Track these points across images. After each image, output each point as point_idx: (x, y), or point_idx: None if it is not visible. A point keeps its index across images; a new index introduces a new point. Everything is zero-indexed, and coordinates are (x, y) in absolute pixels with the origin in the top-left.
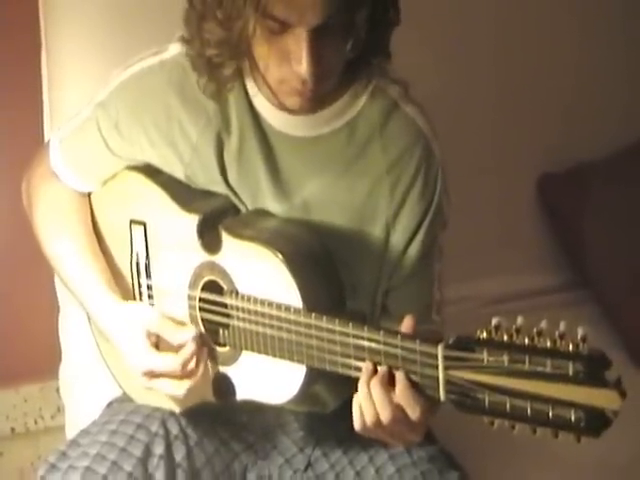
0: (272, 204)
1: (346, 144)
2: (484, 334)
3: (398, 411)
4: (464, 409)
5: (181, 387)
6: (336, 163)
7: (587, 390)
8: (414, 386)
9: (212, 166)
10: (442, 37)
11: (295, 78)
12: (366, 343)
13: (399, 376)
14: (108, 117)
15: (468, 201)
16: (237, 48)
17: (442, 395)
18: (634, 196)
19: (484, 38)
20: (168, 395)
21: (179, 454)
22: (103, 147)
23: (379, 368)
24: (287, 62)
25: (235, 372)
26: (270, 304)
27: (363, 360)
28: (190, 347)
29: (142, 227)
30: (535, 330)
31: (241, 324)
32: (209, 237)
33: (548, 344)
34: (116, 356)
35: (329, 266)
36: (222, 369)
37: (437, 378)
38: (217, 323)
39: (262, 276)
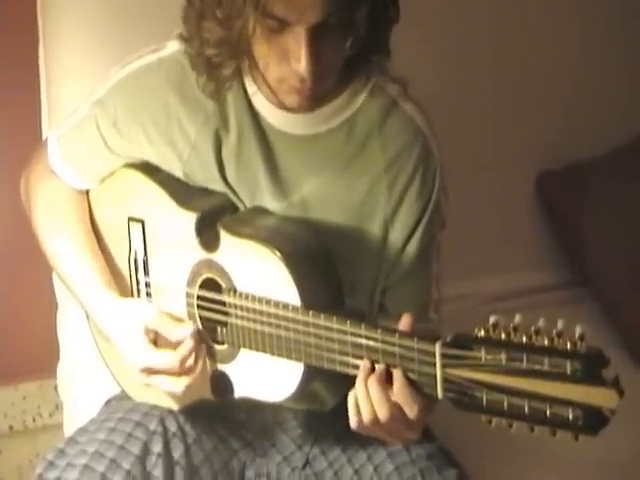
0: (270, 202)
1: (345, 142)
2: (482, 332)
3: (396, 409)
4: (462, 407)
5: (179, 384)
6: (335, 161)
7: (585, 388)
8: (412, 384)
9: (210, 164)
10: (441, 35)
11: (294, 76)
12: (364, 341)
13: (397, 374)
14: (106, 115)
15: (467, 199)
16: (237, 48)
17: (440, 393)
18: (633, 193)
19: (484, 36)
20: (166, 392)
21: (177, 452)
22: (101, 145)
23: (377, 366)
24: (286, 61)
25: (233, 370)
26: (268, 302)
27: (361, 358)
28: (188, 344)
29: (140, 225)
30: (533, 328)
31: (239, 322)
32: (207, 235)
33: (546, 342)
34: (114, 354)
35: (327, 264)
36: (220, 367)
37: (435, 376)
38: (215, 321)
39: (260, 274)
